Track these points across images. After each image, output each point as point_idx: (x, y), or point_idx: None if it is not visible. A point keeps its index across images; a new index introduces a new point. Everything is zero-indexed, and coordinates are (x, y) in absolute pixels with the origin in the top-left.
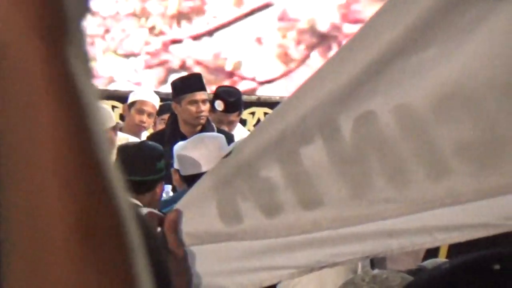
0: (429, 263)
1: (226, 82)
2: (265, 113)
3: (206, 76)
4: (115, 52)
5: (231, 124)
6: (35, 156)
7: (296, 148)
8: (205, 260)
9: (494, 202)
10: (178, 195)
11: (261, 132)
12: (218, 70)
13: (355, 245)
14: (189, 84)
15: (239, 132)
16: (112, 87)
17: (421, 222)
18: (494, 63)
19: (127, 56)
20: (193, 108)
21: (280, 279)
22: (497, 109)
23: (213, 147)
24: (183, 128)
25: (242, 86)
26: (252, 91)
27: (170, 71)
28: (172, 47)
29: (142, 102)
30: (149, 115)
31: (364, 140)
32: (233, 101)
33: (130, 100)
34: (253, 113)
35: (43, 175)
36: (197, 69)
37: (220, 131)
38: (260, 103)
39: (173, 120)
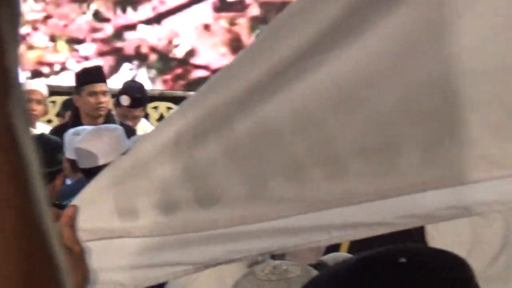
0: (330, 257)
1: (178, 70)
2: (168, 108)
3: (157, 65)
4: (62, 38)
5: (136, 119)
6: None
7: (194, 148)
8: (101, 256)
9: (389, 201)
10: (73, 186)
11: (160, 131)
12: (170, 59)
13: (251, 242)
14: (89, 75)
15: (143, 127)
16: (63, 75)
17: (317, 220)
18: (391, 67)
19: (73, 42)
20: (92, 100)
21: (175, 276)
22: (395, 114)
23: (110, 140)
24: (85, 120)
25: (195, 75)
26: (205, 80)
27: (122, 58)
28: (124, 34)
29: (29, 91)
30: (38, 102)
31: (261, 141)
32: (138, 97)
33: None
34: (156, 107)
35: None
36: (152, 57)
37: (123, 125)
38: (163, 97)
39: (75, 113)
